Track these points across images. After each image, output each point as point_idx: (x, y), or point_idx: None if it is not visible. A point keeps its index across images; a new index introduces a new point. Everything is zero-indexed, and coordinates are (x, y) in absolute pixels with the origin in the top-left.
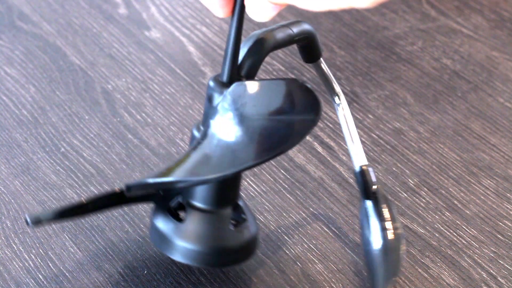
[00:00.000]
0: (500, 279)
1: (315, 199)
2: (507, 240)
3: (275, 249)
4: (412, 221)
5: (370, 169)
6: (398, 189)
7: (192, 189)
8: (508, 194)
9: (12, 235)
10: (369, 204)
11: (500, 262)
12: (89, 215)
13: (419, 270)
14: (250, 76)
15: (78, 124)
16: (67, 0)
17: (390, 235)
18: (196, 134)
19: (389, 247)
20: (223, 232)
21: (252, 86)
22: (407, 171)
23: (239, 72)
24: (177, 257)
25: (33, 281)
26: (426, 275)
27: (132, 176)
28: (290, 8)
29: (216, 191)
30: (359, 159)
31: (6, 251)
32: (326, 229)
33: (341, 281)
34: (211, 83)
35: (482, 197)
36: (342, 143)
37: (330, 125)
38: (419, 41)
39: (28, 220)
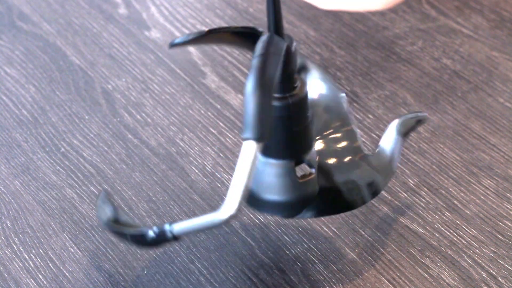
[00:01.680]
0: (500, 279)
1: None
2: (507, 240)
3: (275, 249)
4: (412, 221)
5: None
6: (398, 189)
7: None
8: (508, 194)
9: (12, 235)
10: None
11: (500, 262)
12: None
13: (419, 270)
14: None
15: (78, 124)
16: (67, 0)
17: None
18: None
19: None
20: (285, 181)
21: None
22: (407, 171)
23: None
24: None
25: (33, 281)
26: (426, 275)
27: (132, 176)
28: (290, 8)
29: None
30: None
31: (6, 251)
32: (326, 229)
33: (341, 281)
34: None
35: (482, 197)
36: None
37: None
38: (419, 41)
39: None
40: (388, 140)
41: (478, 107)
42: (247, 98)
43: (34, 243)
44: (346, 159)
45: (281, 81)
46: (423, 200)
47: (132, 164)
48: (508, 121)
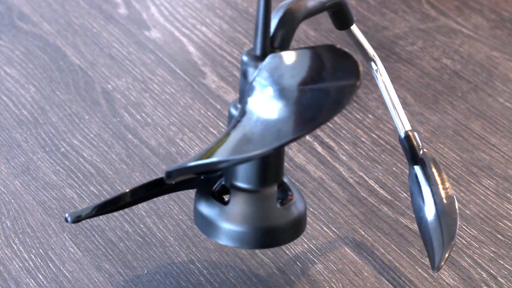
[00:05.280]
0: (500, 279)
1: (315, 199)
2: (507, 240)
3: (275, 249)
4: (412, 221)
5: (416, 134)
6: (398, 189)
7: (235, 170)
8: (508, 194)
9: (12, 235)
10: (417, 169)
11: (500, 262)
12: (129, 206)
13: (419, 270)
14: (284, 47)
15: (78, 124)
16: (67, 0)
17: (443, 199)
18: (234, 112)
19: (442, 211)
20: (270, 211)
21: (287, 57)
22: (407, 171)
23: (272, 44)
24: (224, 241)
25: (33, 281)
26: (426, 275)
27: (132, 176)
28: None
29: (259, 169)
30: (403, 125)
31: (6, 251)
32: (326, 229)
33: (341, 281)
34: (245, 58)
35: (482, 197)
36: (342, 143)
37: (330, 125)
38: (419, 41)
39: (68, 218)
40: None
41: (478, 107)
42: None
43: (34, 243)
44: None
45: None
46: None
47: (132, 164)
48: (508, 121)
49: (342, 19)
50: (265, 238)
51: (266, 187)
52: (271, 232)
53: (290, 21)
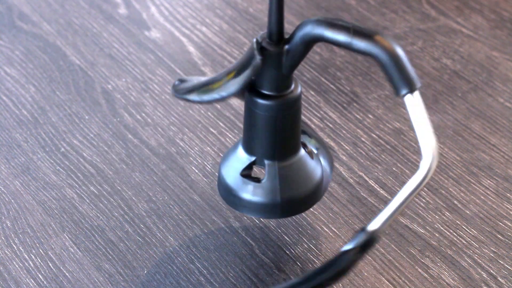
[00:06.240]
0: (500, 279)
1: None
2: (507, 240)
3: (275, 249)
4: (412, 221)
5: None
6: (398, 189)
7: None
8: (508, 194)
9: (12, 235)
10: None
11: (500, 262)
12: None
13: (419, 270)
14: (288, 43)
15: (78, 124)
16: (67, 0)
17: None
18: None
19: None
20: (231, 171)
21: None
22: (407, 171)
23: (285, 41)
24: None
25: (33, 281)
26: (426, 275)
27: (132, 176)
28: (290, 8)
29: (245, 133)
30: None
31: (6, 251)
32: (326, 229)
33: (341, 281)
34: (259, 40)
35: (482, 197)
36: (342, 143)
37: (330, 125)
38: (419, 41)
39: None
40: None
41: (478, 107)
42: (397, 52)
43: (34, 243)
44: None
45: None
46: (423, 200)
47: (132, 164)
48: (508, 121)
49: (389, 80)
50: (220, 188)
51: (244, 150)
52: (224, 187)
53: (303, 28)
